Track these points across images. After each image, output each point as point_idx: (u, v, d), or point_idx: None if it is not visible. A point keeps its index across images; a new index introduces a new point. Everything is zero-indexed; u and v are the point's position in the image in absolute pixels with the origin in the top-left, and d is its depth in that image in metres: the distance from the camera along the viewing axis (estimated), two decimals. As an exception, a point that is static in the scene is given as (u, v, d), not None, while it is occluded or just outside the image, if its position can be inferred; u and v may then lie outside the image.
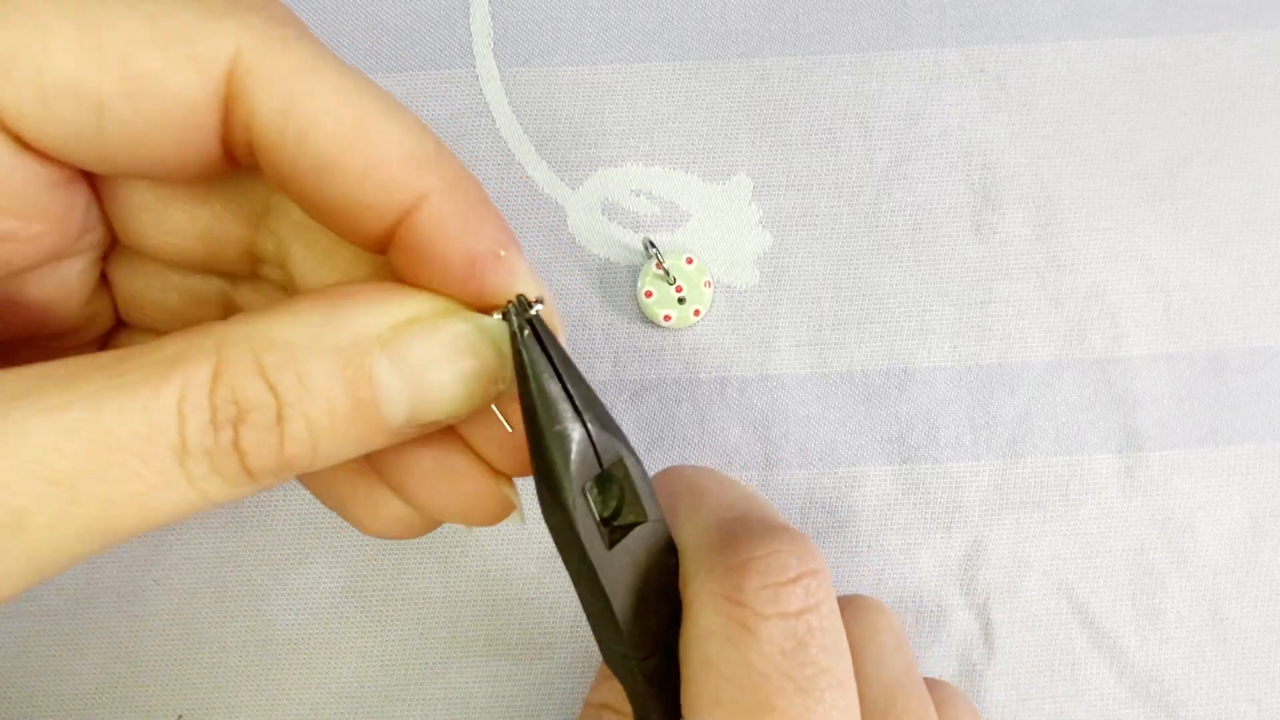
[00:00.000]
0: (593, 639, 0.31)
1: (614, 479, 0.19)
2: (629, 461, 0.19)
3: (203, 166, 0.17)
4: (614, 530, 0.19)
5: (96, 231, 0.19)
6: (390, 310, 0.16)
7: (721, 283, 0.33)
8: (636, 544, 0.19)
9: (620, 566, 0.19)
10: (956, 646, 0.31)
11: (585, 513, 0.18)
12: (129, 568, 0.31)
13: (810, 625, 0.18)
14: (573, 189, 0.34)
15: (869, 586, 0.31)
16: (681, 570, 0.20)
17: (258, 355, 0.15)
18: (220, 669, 0.31)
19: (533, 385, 0.18)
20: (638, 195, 0.33)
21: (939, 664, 0.31)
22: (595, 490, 0.19)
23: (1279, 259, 0.33)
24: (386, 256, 0.18)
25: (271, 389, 0.15)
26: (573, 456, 0.18)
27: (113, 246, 0.20)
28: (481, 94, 0.34)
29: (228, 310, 0.21)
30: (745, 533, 0.19)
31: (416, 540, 0.31)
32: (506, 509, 0.20)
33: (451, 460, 0.20)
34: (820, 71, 0.34)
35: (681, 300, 0.32)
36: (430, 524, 0.21)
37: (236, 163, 0.17)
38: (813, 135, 0.34)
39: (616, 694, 0.22)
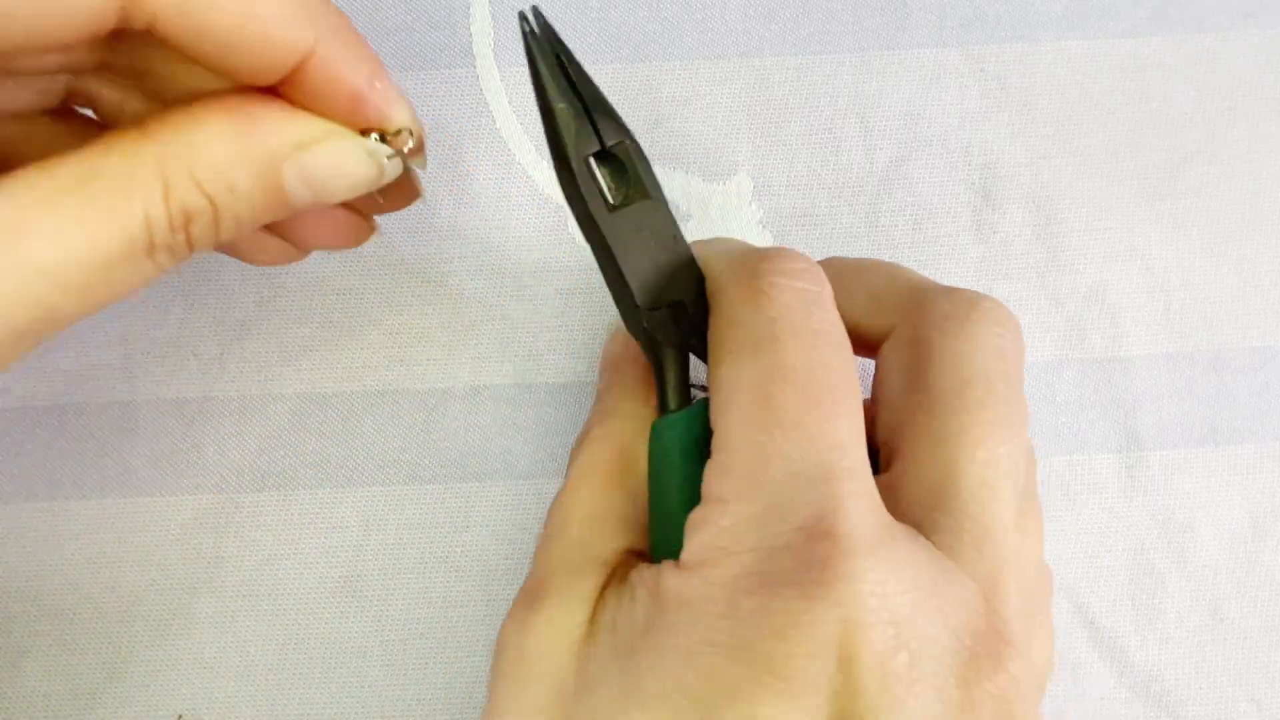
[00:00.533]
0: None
1: (619, 160, 0.23)
2: (629, 144, 0.23)
3: (93, 33, 0.19)
4: (620, 198, 0.23)
5: None
6: (294, 130, 0.21)
7: (721, 283, 0.33)
8: (638, 213, 0.23)
9: (624, 228, 0.23)
10: (956, 646, 0.31)
11: (589, 178, 0.23)
12: (129, 568, 0.31)
13: (815, 295, 0.22)
14: (573, 189, 0.33)
15: (869, 586, 0.31)
16: (711, 272, 0.23)
17: (194, 173, 0.19)
18: (220, 669, 0.31)
19: (541, 69, 0.22)
20: (638, 195, 0.33)
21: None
22: (605, 171, 0.23)
23: (1279, 259, 0.33)
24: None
25: (209, 199, 0.20)
26: (574, 128, 0.22)
27: None
28: (481, 94, 0.34)
29: (70, 98, 0.23)
30: (763, 248, 0.23)
31: (416, 540, 0.32)
32: (368, 233, 0.27)
33: (328, 212, 0.25)
34: (820, 71, 0.34)
35: None
36: (306, 252, 0.27)
37: (127, 27, 0.19)
38: (813, 135, 0.34)
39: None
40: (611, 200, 0.23)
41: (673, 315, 0.23)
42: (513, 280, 0.33)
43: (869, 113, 0.34)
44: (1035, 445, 0.32)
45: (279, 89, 0.21)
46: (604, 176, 0.23)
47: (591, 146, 0.23)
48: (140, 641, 0.31)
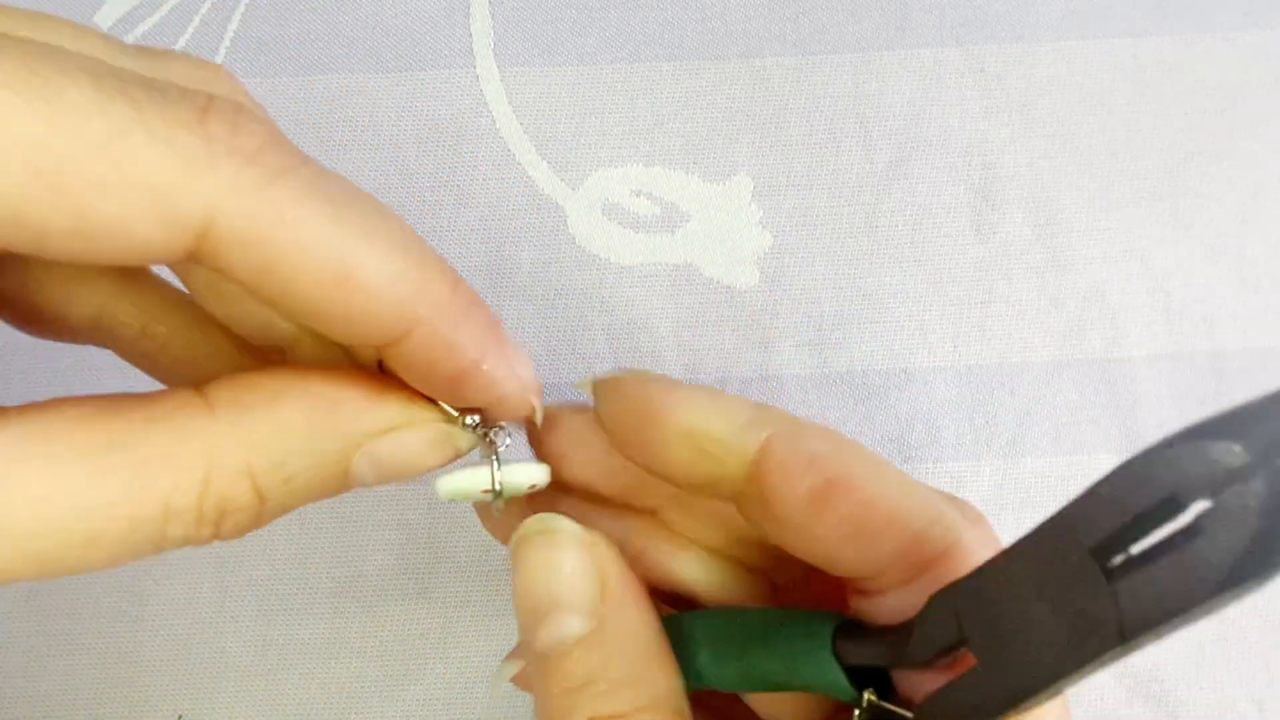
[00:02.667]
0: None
1: None
2: None
3: (147, 263, 0.17)
4: None
5: None
6: (372, 419, 0.18)
7: (721, 283, 0.33)
8: None
9: None
10: (956, 646, 0.31)
11: None
12: (129, 568, 0.31)
13: None
14: (573, 189, 0.34)
15: (869, 586, 0.31)
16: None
17: (250, 467, 0.17)
18: (220, 669, 0.31)
19: None
20: (638, 195, 0.33)
21: (939, 664, 0.31)
22: None
23: (1279, 259, 0.33)
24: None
25: (259, 495, 0.17)
26: None
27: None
28: (481, 94, 0.34)
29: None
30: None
31: (416, 539, 0.32)
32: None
33: None
34: (820, 71, 0.34)
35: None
36: None
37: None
38: (813, 135, 0.34)
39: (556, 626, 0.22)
40: None
41: None
42: (512, 280, 0.33)
43: (869, 113, 0.34)
44: (1035, 446, 0.32)
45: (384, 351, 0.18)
46: None
47: None
48: (140, 642, 0.31)
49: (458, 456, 0.20)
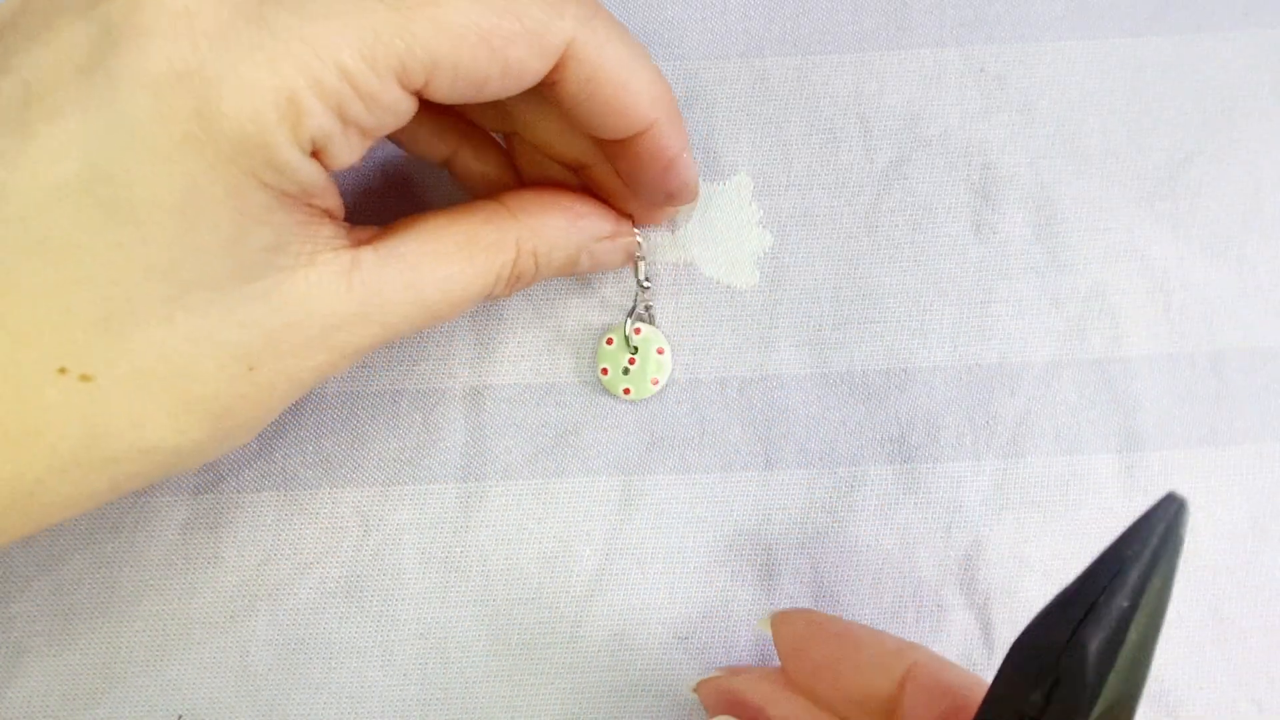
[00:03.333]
0: (589, 640, 0.31)
1: None
2: None
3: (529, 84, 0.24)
4: None
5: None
6: (597, 228, 0.29)
7: (721, 283, 0.33)
8: None
9: None
10: (956, 646, 0.31)
11: None
12: (129, 568, 0.31)
13: None
14: (573, 189, 0.33)
15: (869, 586, 0.31)
16: None
17: (535, 248, 0.27)
18: (220, 669, 0.31)
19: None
20: (638, 195, 0.33)
21: (939, 664, 0.31)
22: None
23: (1279, 259, 0.33)
24: (610, 159, 0.28)
25: (538, 267, 0.28)
26: None
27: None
28: (481, 94, 0.34)
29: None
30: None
31: (416, 540, 0.32)
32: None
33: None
34: (820, 71, 0.34)
35: (626, 371, 0.32)
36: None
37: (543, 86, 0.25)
38: (813, 135, 0.34)
39: None
40: None
41: None
42: (513, 280, 0.33)
43: (869, 113, 0.34)
44: (1035, 446, 0.32)
45: (622, 146, 0.27)
46: None
47: None
48: (140, 641, 0.31)
49: (630, 259, 0.31)
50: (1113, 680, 0.17)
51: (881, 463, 0.32)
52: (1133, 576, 0.17)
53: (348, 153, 0.22)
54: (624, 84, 0.24)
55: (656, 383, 0.32)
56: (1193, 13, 0.34)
